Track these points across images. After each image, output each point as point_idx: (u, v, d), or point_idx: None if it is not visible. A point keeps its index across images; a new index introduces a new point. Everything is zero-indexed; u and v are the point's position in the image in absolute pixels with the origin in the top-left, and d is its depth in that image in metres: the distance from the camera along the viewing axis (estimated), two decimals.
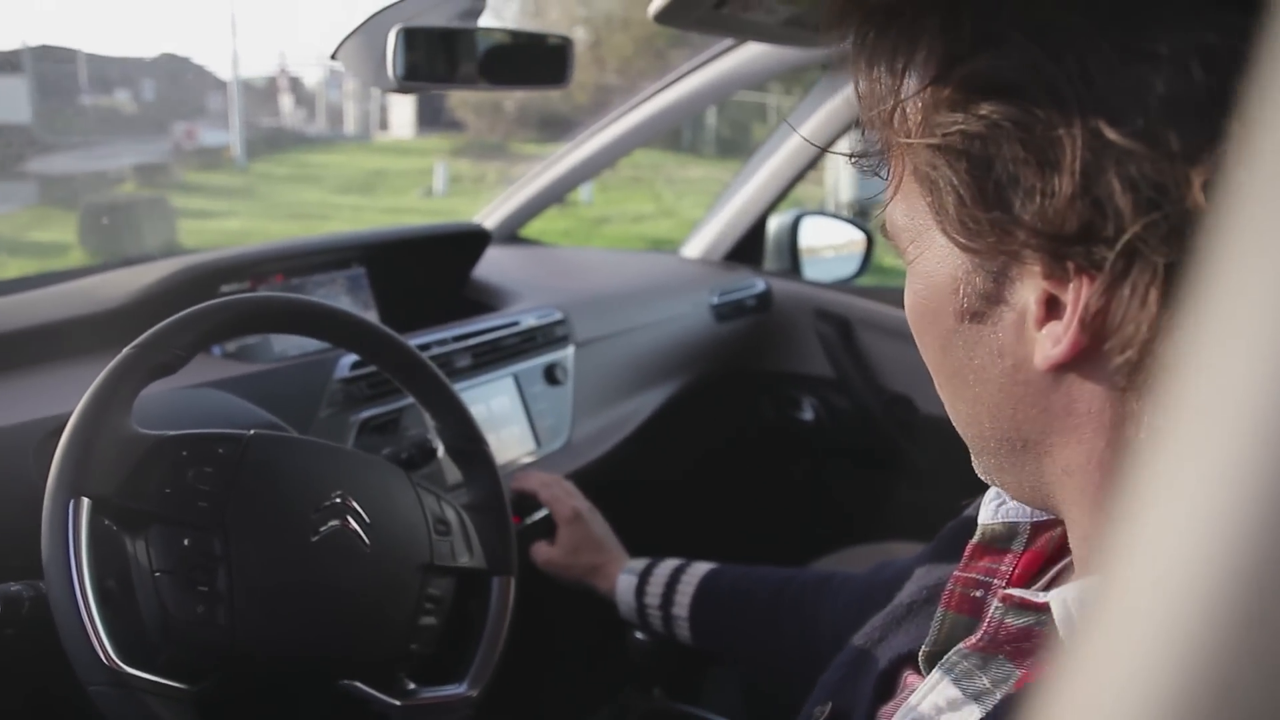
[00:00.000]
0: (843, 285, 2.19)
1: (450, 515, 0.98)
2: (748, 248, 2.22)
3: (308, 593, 0.83)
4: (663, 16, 1.27)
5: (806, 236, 2.21)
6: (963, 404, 0.57)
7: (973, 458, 0.61)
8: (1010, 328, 0.51)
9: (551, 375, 1.56)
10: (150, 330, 0.83)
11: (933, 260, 0.53)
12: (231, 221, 11.14)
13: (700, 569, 1.19)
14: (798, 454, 2.16)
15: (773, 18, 1.36)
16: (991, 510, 0.67)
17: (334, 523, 0.85)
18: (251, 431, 0.86)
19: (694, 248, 2.24)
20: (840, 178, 6.62)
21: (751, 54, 1.84)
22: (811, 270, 2.20)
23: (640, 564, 1.22)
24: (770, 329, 2.12)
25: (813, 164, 2.11)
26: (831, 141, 2.04)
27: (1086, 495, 0.52)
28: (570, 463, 1.52)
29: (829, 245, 2.27)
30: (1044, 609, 0.53)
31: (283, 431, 1.04)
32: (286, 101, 21.50)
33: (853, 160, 0.59)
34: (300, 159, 17.39)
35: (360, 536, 0.87)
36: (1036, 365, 0.50)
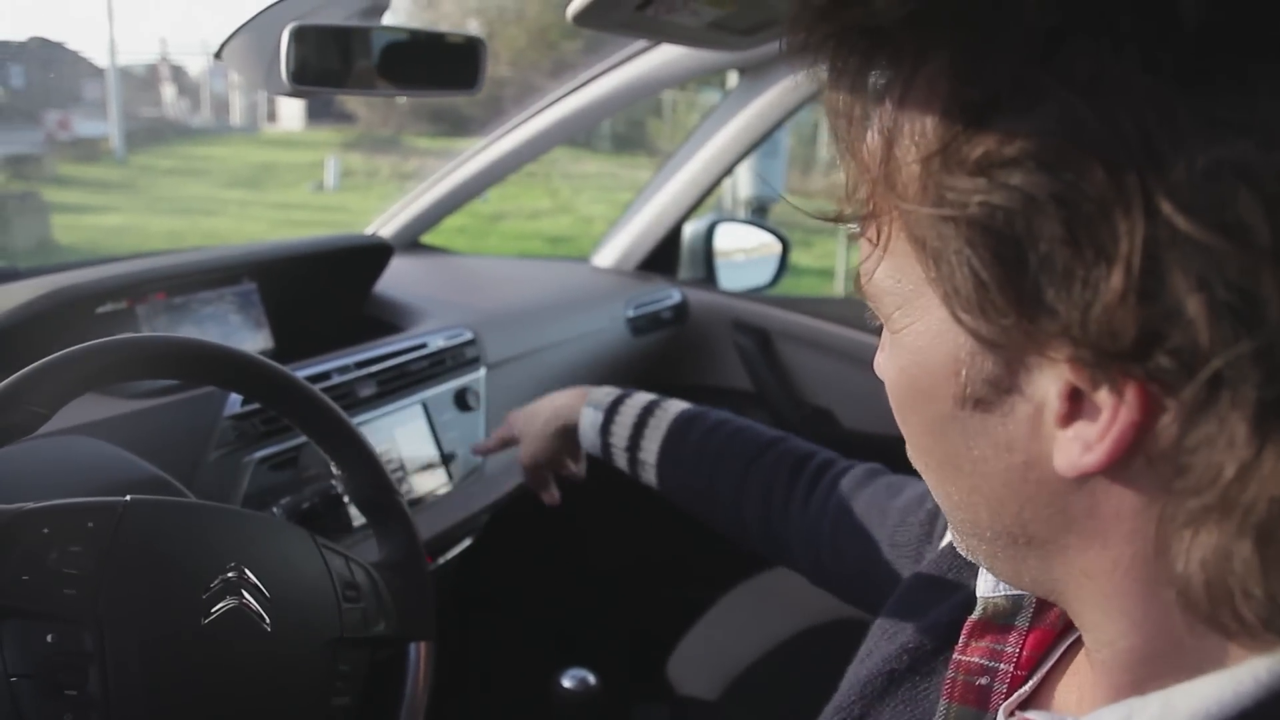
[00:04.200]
0: (760, 295, 2.13)
1: (360, 578, 0.87)
2: (661, 256, 2.15)
3: (200, 688, 0.72)
4: (582, 18, 1.17)
5: (722, 243, 2.15)
6: (955, 491, 0.49)
7: (955, 536, 0.53)
8: (1023, 421, 0.42)
9: (463, 401, 1.46)
10: (1, 384, 0.71)
11: (926, 334, 0.45)
12: (110, 217, 10.68)
13: (672, 409, 1.12)
14: None
15: (696, 21, 1.28)
16: (992, 583, 0.60)
17: (228, 602, 0.74)
18: (128, 498, 0.74)
19: (606, 256, 2.16)
20: (739, 175, 6.59)
21: (670, 56, 1.76)
22: (727, 279, 2.14)
23: (607, 396, 1.15)
24: (687, 342, 2.05)
25: (730, 170, 2.04)
26: (751, 148, 1.97)
27: (1113, 602, 0.45)
28: (486, 495, 1.43)
29: (742, 250, 2.21)
30: None
31: (166, 489, 0.92)
32: (169, 91, 20.78)
33: (841, 223, 0.48)
34: (184, 151, 16.79)
35: (259, 615, 0.76)
36: (1057, 469, 0.41)
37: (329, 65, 0.96)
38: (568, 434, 1.16)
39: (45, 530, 0.69)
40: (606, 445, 1.12)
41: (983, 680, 0.58)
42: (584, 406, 1.14)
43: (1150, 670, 0.44)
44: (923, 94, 0.41)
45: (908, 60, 0.41)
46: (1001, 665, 0.58)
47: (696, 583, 1.82)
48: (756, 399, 1.99)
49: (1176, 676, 0.43)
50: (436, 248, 2.17)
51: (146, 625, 0.70)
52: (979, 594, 0.60)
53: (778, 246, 2.18)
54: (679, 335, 2.04)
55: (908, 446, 0.52)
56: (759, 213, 7.30)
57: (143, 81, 20.69)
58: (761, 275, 2.18)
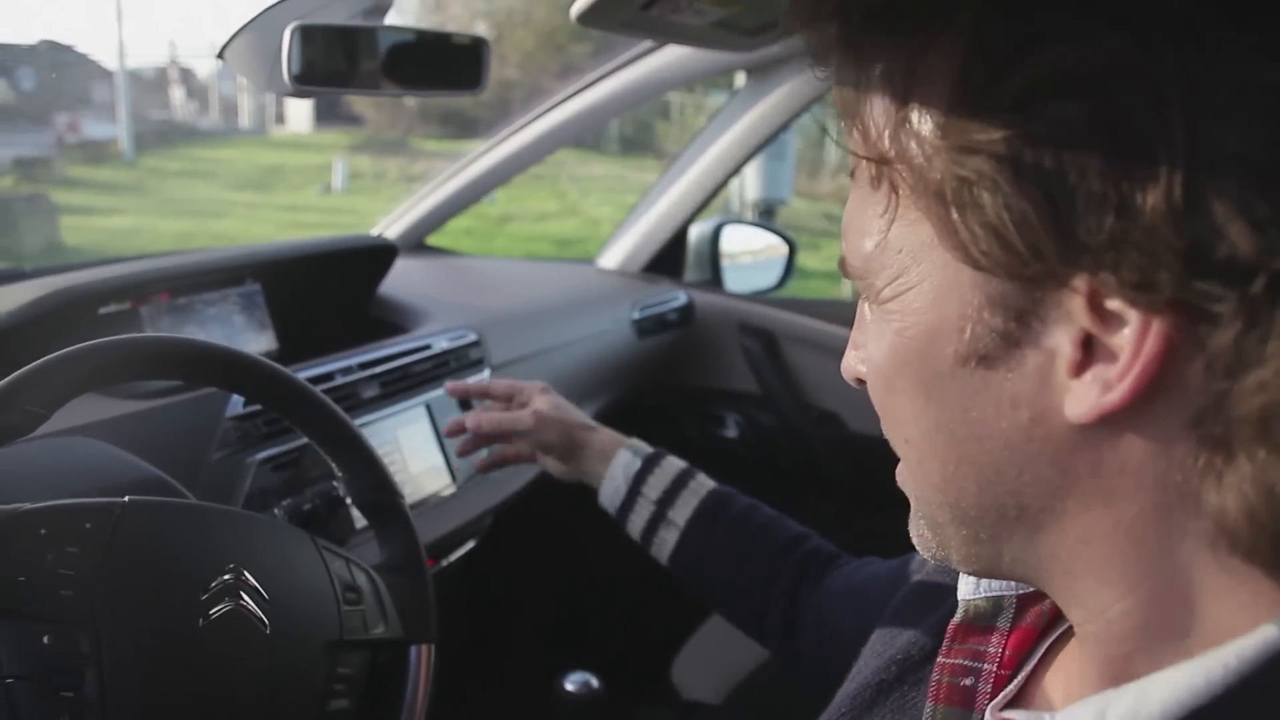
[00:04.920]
0: (765, 297, 2.12)
1: (361, 581, 0.86)
2: (667, 258, 2.14)
3: (198, 689, 0.71)
4: (586, 18, 1.17)
5: (729, 245, 2.14)
6: (942, 466, 0.48)
7: (921, 526, 0.53)
8: (1032, 374, 0.42)
9: (466, 403, 1.45)
10: None
11: (927, 295, 0.45)
12: (118, 219, 10.70)
13: (706, 483, 1.08)
14: (723, 473, 2.07)
15: (701, 21, 1.27)
16: (972, 585, 0.60)
17: (226, 604, 0.73)
18: (126, 499, 0.74)
19: (611, 258, 2.15)
20: (746, 177, 6.59)
21: (676, 57, 1.75)
22: (734, 281, 2.13)
23: (645, 447, 1.11)
24: (693, 344, 2.04)
25: (736, 171, 2.03)
26: (757, 150, 1.96)
27: (1110, 567, 0.44)
28: (489, 498, 1.42)
29: (749, 252, 2.20)
30: None
31: (166, 490, 0.91)
32: (177, 93, 20.83)
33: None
34: (192, 154, 16.84)
35: (258, 617, 0.75)
36: (1068, 417, 0.42)
37: (333, 65, 0.95)
38: (577, 455, 1.13)
39: (42, 531, 0.68)
40: (634, 493, 1.08)
41: (967, 681, 0.58)
42: (621, 448, 1.11)
43: (1143, 641, 0.45)
44: (948, 41, 0.42)
45: (929, 10, 0.42)
46: (985, 665, 0.58)
47: None
48: (762, 401, 1.98)
49: (1170, 647, 0.43)
50: (441, 249, 2.17)
51: (144, 627, 0.69)
52: (960, 597, 0.61)
53: (784, 249, 2.17)
54: (685, 337, 2.03)
55: (888, 427, 0.52)
56: (766, 215, 7.30)
57: (151, 84, 20.74)
58: (768, 277, 2.17)
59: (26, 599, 0.66)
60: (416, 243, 2.06)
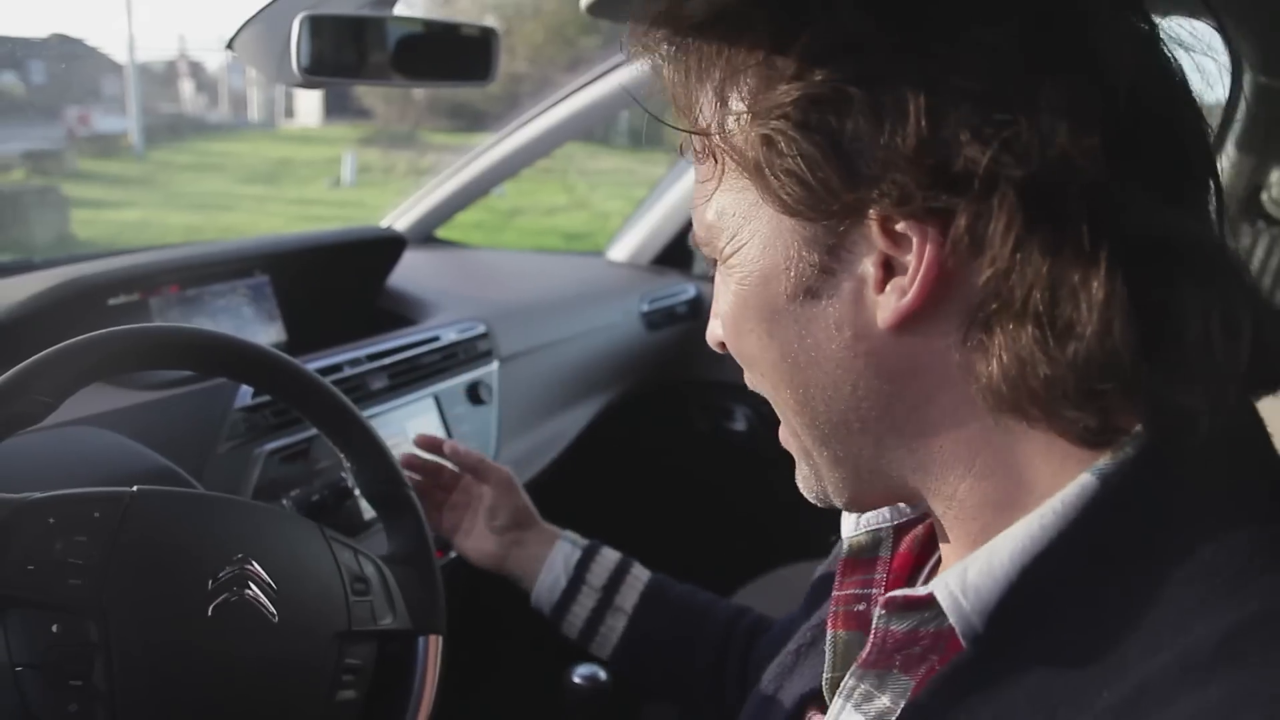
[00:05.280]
0: None
1: (369, 571, 0.86)
2: (676, 250, 2.14)
3: (205, 679, 0.71)
4: (596, 9, 1.17)
5: None
6: (792, 392, 0.56)
7: (803, 468, 0.61)
8: (847, 297, 0.52)
9: (475, 394, 1.45)
10: (7, 374, 0.70)
11: (757, 246, 0.54)
12: (129, 212, 10.72)
13: (643, 569, 1.07)
14: (732, 466, 2.08)
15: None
16: (852, 523, 0.68)
17: (235, 593, 0.73)
18: (135, 489, 0.74)
19: (621, 250, 2.15)
20: None
21: None
22: None
23: (580, 539, 1.08)
24: (701, 336, 2.02)
25: None
26: None
27: (948, 454, 0.53)
28: None
29: None
30: (927, 603, 0.52)
31: (174, 480, 0.92)
32: (187, 87, 20.84)
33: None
34: (202, 147, 16.84)
35: (266, 606, 0.75)
36: (880, 326, 0.51)
37: (342, 57, 0.95)
38: (518, 541, 1.09)
39: (51, 520, 0.68)
40: (577, 581, 1.05)
41: (860, 607, 0.66)
42: (559, 539, 1.07)
43: (991, 515, 0.52)
44: (750, 38, 0.51)
45: (732, 23, 0.52)
46: (874, 590, 0.66)
47: (707, 581, 1.81)
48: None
49: (1012, 515, 0.50)
50: (450, 241, 2.17)
51: (152, 616, 0.69)
52: (843, 536, 0.69)
53: None
54: (693, 330, 2.03)
55: (747, 371, 0.60)
56: None
57: (161, 77, 20.76)
58: None
59: (35, 587, 0.66)
60: (425, 235, 2.06)
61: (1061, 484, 0.49)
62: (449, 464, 1.12)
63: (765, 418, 2.00)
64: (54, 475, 0.86)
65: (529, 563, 1.07)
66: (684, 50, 0.55)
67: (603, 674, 1.26)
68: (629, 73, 1.81)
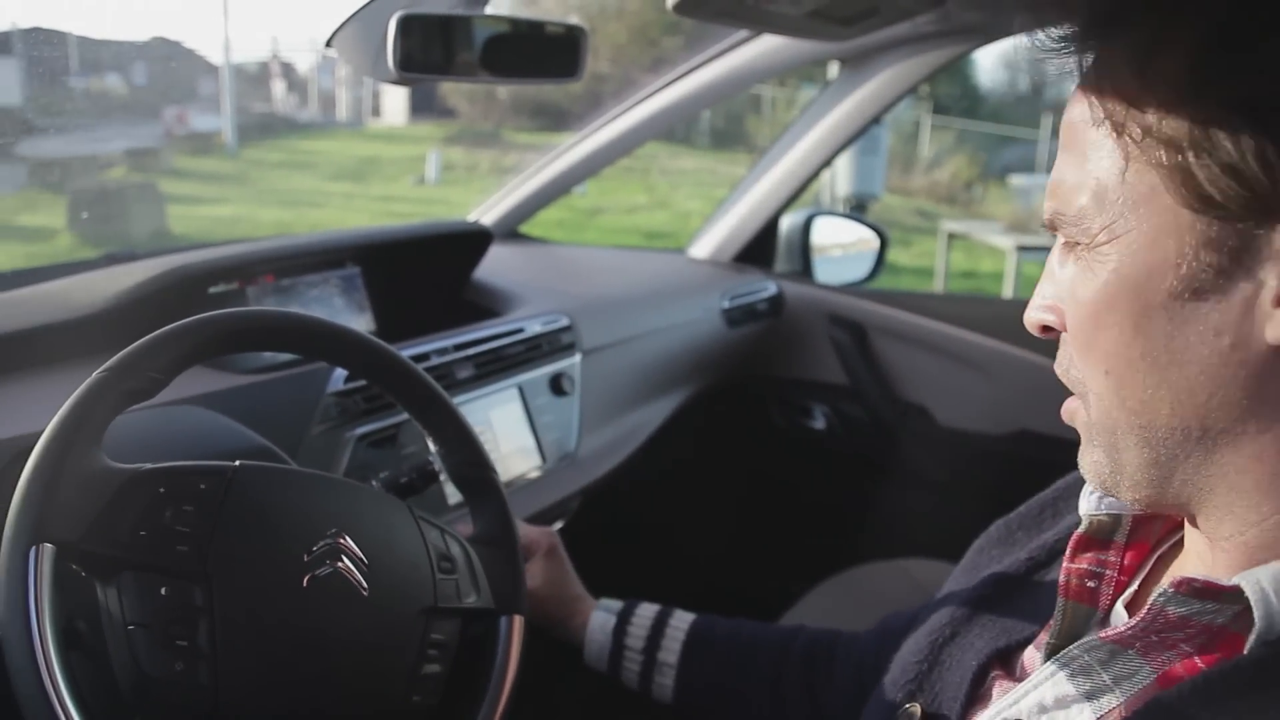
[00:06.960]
0: (855, 289, 2.11)
1: (455, 551, 0.89)
2: (757, 248, 2.14)
3: (299, 645, 0.74)
4: (683, 8, 1.18)
5: (819, 237, 2.13)
6: (1138, 392, 0.53)
7: (1097, 454, 0.58)
8: (1238, 304, 0.49)
9: (558, 385, 1.48)
10: (123, 352, 0.75)
11: (1145, 238, 0.51)
12: (222, 208, 10.99)
13: (686, 616, 1.08)
14: (809, 464, 2.08)
15: (797, 10, 1.28)
16: (1094, 501, 0.66)
17: (328, 565, 0.77)
18: (237, 463, 0.77)
19: (702, 248, 2.16)
20: (837, 172, 6.52)
21: (768, 47, 1.75)
22: (824, 273, 2.12)
23: (615, 603, 1.10)
24: (782, 334, 2.04)
25: (828, 163, 2.03)
26: (849, 141, 1.96)
27: (1274, 484, 0.51)
28: (578, 478, 1.45)
29: (839, 244, 2.19)
30: (1224, 594, 0.51)
31: (272, 458, 0.95)
32: (279, 87, 21.27)
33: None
34: (292, 145, 17.19)
35: (357, 580, 0.78)
36: (1266, 340, 0.48)
37: (433, 54, 0.98)
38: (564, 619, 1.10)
39: (161, 490, 0.72)
40: (619, 647, 1.07)
41: (1091, 583, 0.65)
42: (594, 610, 1.09)
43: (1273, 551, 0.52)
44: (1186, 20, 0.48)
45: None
46: (1108, 572, 0.65)
47: (785, 573, 1.81)
48: (851, 393, 1.97)
49: None
50: (534, 237, 2.20)
51: (252, 584, 0.73)
52: (1082, 511, 0.67)
53: (875, 241, 2.15)
54: (774, 328, 2.03)
55: (1084, 362, 0.56)
56: (858, 210, 7.21)
57: (254, 78, 21.20)
58: (858, 270, 2.16)
59: (147, 551, 0.70)
60: (509, 231, 2.09)
61: None
62: None
63: (844, 416, 1.99)
64: (163, 449, 0.90)
65: (575, 633, 1.10)
66: (1097, 29, 0.53)
67: None
68: (711, 71, 1.83)
